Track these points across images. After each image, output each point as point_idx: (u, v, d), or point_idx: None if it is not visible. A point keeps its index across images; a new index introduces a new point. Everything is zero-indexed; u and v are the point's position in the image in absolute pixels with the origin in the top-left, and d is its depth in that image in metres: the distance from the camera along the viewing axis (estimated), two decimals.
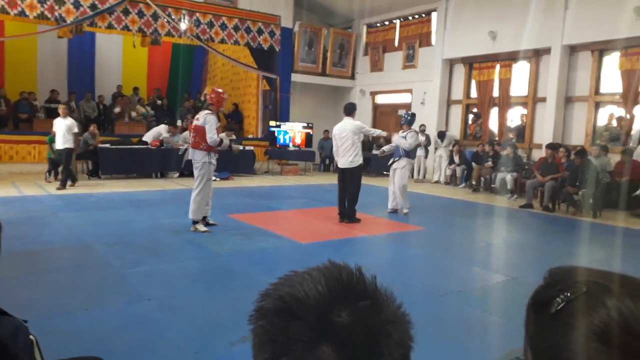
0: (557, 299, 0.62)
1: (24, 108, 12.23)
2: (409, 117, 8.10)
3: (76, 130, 9.01)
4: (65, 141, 8.85)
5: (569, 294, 0.62)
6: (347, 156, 6.98)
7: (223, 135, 6.03)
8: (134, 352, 2.89)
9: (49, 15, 10.78)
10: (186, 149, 6.45)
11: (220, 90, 6.22)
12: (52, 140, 9.84)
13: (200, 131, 5.91)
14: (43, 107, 12.78)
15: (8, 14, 10.42)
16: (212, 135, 5.84)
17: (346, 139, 6.94)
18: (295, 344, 0.51)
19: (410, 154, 8.01)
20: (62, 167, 9.17)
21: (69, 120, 8.92)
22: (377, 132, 7.66)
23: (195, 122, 6.12)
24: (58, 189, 8.79)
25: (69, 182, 9.12)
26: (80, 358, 1.76)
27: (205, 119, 5.91)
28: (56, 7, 10.81)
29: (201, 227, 6.03)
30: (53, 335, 2.89)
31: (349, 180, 7.05)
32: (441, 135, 12.74)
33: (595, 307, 0.58)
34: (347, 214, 7.01)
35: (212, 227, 6.21)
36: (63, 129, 8.78)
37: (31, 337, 1.16)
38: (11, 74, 13.33)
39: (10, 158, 11.12)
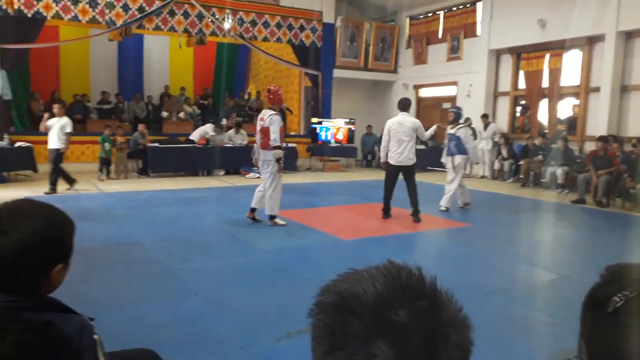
0: (615, 297, 0.61)
1: (77, 110, 12.78)
2: (458, 111, 7.82)
3: (69, 129, 8.63)
4: (58, 140, 8.48)
5: (627, 293, 0.60)
6: (405, 152, 6.75)
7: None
8: (182, 346, 2.97)
9: (100, 19, 11.20)
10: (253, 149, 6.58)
11: (277, 88, 6.40)
12: (104, 140, 10.26)
13: (267, 132, 6.12)
14: (95, 108, 13.32)
15: (62, 19, 10.90)
16: (275, 137, 6.08)
17: (405, 135, 6.73)
18: (351, 339, 0.52)
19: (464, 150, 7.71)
20: (50, 170, 8.59)
21: (64, 120, 8.66)
22: (430, 134, 7.46)
23: (260, 123, 6.26)
24: (47, 193, 8.21)
25: (66, 186, 8.72)
26: (131, 350, 1.82)
27: (270, 119, 6.11)
28: (106, 11, 11.22)
29: (280, 221, 6.35)
30: (106, 329, 2.97)
31: (409, 178, 6.86)
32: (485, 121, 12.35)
33: None
34: (416, 212, 6.83)
35: (257, 224, 6.35)
36: (57, 128, 8.50)
37: (95, 336, 1.19)
38: (66, 77, 13.97)
39: (66, 158, 11.60)
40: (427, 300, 0.54)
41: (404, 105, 7.00)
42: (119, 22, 11.37)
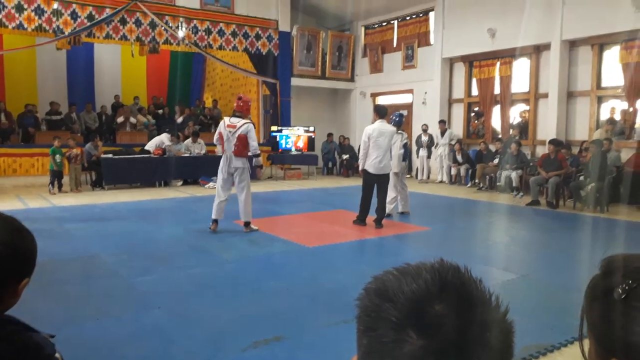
0: (623, 285, 0.66)
1: (29, 120, 12.23)
2: (397, 119, 7.65)
3: None
4: None
5: (633, 281, 0.66)
6: (385, 160, 6.72)
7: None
8: None
9: (47, 27, 10.81)
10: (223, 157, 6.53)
11: (247, 98, 6.57)
12: (54, 152, 9.87)
13: (244, 139, 6.17)
14: (44, 119, 12.79)
15: (6, 27, 10.45)
16: (256, 145, 6.32)
17: (385, 142, 6.69)
18: (383, 322, 0.54)
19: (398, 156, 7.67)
20: None
21: None
22: (399, 146, 7.52)
23: (230, 130, 6.22)
24: None
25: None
26: None
27: (247, 127, 6.20)
28: (54, 19, 10.84)
29: (254, 227, 6.46)
30: (65, 346, 2.85)
31: (382, 185, 6.85)
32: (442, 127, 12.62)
33: None
34: (380, 219, 6.83)
35: (219, 234, 6.26)
36: None
37: (57, 355, 1.14)
38: (11, 87, 13.36)
39: (13, 171, 11.12)
40: (468, 300, 0.55)
41: (383, 112, 6.95)
42: (67, 31, 11.00)
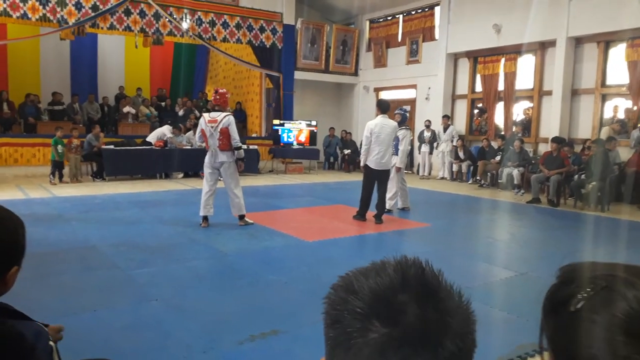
0: (578, 296, 0.62)
1: (30, 110, 12.25)
2: (404, 113, 7.68)
3: None
4: None
5: (589, 290, 0.62)
6: (387, 156, 6.67)
7: None
8: (142, 352, 2.87)
9: (51, 17, 10.78)
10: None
11: (223, 90, 6.46)
12: (56, 142, 9.87)
13: (226, 133, 6.12)
14: (47, 109, 12.80)
15: (10, 16, 10.43)
16: (237, 138, 6.21)
17: (387, 138, 6.63)
18: (348, 313, 0.56)
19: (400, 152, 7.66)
20: None
21: None
22: (407, 142, 7.50)
23: (212, 125, 6.16)
24: None
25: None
26: None
27: (228, 119, 6.14)
28: (58, 9, 10.81)
29: (249, 220, 6.43)
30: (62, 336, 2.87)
31: (382, 181, 6.82)
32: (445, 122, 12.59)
33: (616, 301, 0.59)
34: (380, 215, 6.81)
35: (217, 227, 6.25)
36: None
37: (51, 343, 1.14)
38: (15, 77, 13.37)
39: (15, 161, 11.15)
40: (429, 290, 0.57)
41: (385, 107, 6.85)
42: (72, 21, 10.98)
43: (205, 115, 6.37)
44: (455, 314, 0.57)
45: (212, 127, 6.16)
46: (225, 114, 6.20)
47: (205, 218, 6.31)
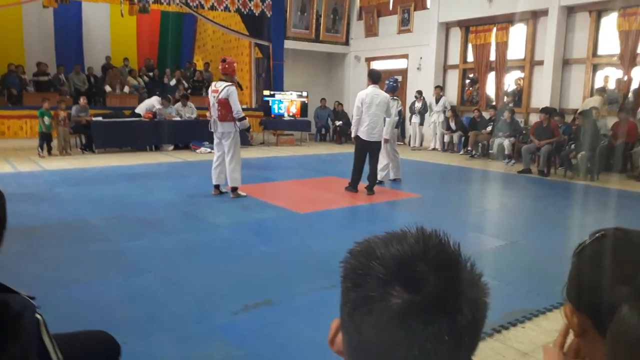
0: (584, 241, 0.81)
1: (12, 81, 11.98)
2: (393, 84, 7.57)
3: None
4: None
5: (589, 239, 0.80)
6: (377, 127, 6.61)
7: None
8: (135, 323, 2.89)
9: None
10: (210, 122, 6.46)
11: (231, 58, 6.44)
12: (43, 114, 9.70)
13: (225, 104, 6.05)
14: (32, 80, 12.53)
15: None
16: (239, 108, 6.11)
17: (378, 109, 6.55)
18: (371, 278, 0.58)
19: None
20: None
21: None
22: (395, 113, 7.41)
23: (214, 95, 6.15)
24: None
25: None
26: (82, 332, 1.74)
27: (227, 90, 6.05)
28: None
29: (242, 193, 6.39)
30: (54, 309, 2.86)
31: (374, 153, 6.79)
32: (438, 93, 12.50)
33: (607, 238, 0.78)
34: (371, 186, 6.81)
35: (210, 199, 6.26)
36: None
37: (37, 316, 1.13)
38: None
39: (2, 134, 10.97)
40: (448, 260, 0.60)
41: (377, 77, 6.75)
42: None
43: (213, 84, 6.38)
44: (471, 284, 0.60)
45: (214, 96, 6.15)
46: (226, 84, 6.12)
47: (216, 186, 6.46)
